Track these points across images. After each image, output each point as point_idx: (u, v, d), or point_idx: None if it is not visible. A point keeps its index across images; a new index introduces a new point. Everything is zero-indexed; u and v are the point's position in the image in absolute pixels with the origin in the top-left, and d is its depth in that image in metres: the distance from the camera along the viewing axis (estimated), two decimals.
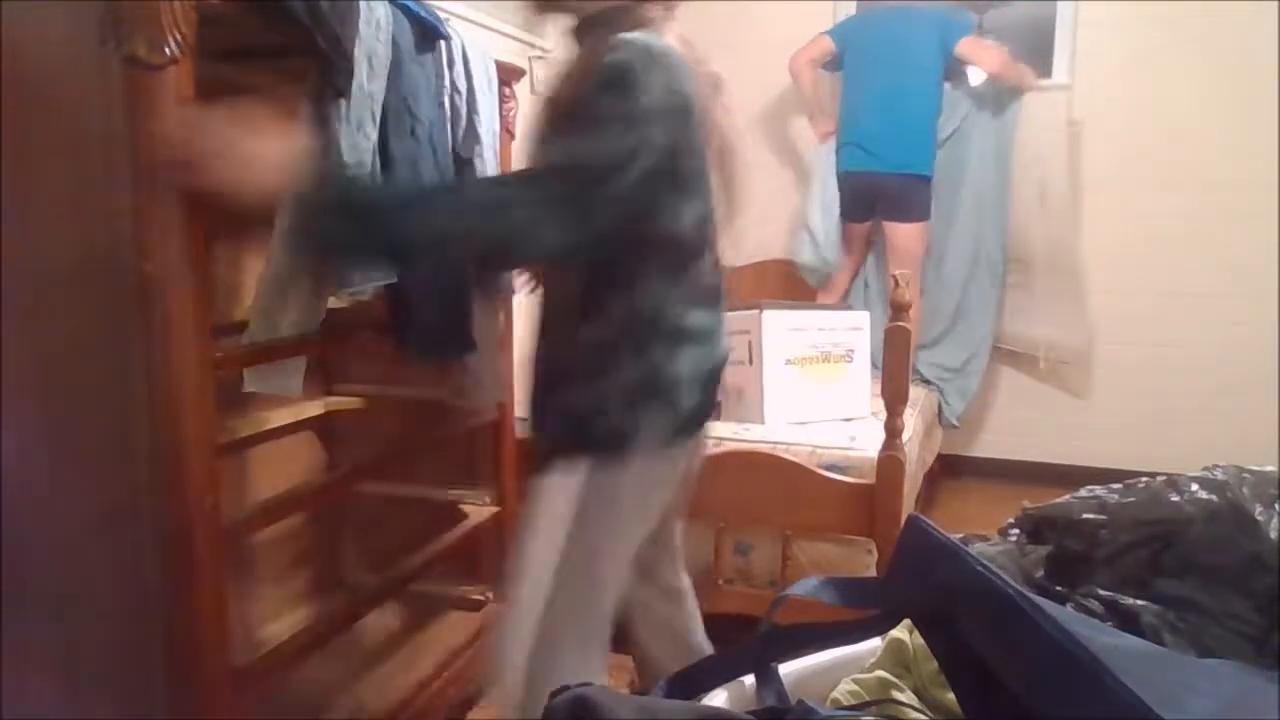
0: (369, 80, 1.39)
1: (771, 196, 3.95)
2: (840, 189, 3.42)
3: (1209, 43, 3.35)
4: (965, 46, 3.22)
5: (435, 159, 1.58)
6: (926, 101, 3.26)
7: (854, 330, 2.41)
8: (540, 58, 3.32)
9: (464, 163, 1.70)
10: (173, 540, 1.20)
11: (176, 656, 1.24)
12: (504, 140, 2.00)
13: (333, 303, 1.53)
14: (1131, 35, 3.45)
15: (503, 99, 1.98)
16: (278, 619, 1.91)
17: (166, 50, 1.10)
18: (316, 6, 1.24)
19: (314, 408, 2.05)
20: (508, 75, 1.99)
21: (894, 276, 1.98)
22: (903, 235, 3.32)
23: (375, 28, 1.39)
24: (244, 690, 1.34)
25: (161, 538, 1.21)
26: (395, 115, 1.46)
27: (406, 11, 1.50)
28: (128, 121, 1.12)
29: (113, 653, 1.28)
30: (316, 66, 1.30)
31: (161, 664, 1.24)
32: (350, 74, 1.32)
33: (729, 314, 2.71)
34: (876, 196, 3.32)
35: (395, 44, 1.44)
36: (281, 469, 1.94)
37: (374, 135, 1.40)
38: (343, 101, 1.32)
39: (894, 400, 2.00)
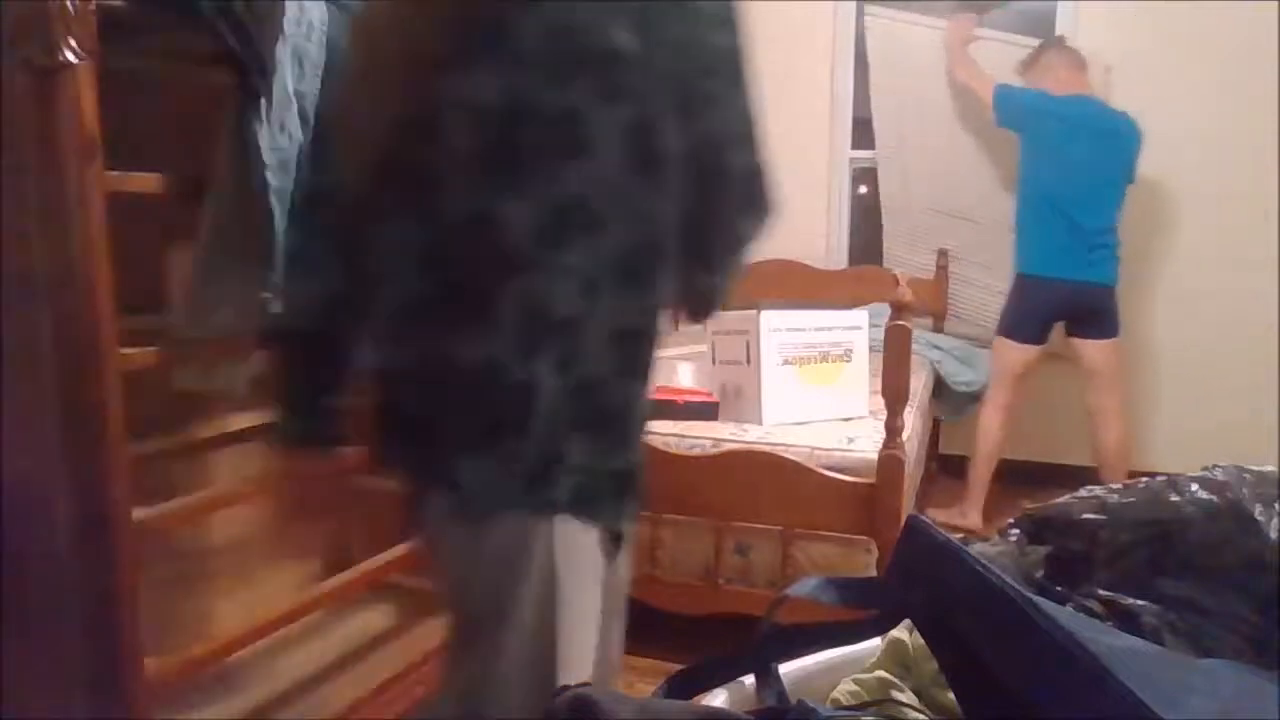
0: (298, 81, 1.38)
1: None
2: (1025, 297, 3.10)
3: (1209, 42, 3.35)
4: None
5: None
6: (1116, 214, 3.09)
7: (852, 330, 2.41)
8: None
9: None
10: (84, 534, 1.22)
11: (94, 651, 1.25)
12: None
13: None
14: (1131, 35, 3.46)
15: None
16: (248, 611, 1.91)
17: (62, 54, 1.09)
18: (229, 7, 1.24)
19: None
20: None
21: (894, 276, 1.98)
22: (1105, 353, 3.14)
23: (307, 28, 1.39)
24: (167, 684, 1.35)
25: (75, 532, 1.22)
26: None
27: (348, 12, 1.49)
28: (32, 125, 1.12)
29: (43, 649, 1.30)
30: (233, 67, 1.30)
31: (79, 658, 1.26)
32: (265, 74, 1.31)
33: (727, 314, 2.72)
34: (1074, 309, 3.08)
35: (332, 45, 1.43)
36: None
37: (300, 136, 1.39)
38: (263, 102, 1.32)
39: (894, 400, 2.00)
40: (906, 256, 3.87)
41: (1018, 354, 3.13)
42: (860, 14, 3.79)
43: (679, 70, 0.96)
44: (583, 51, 0.92)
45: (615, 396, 1.00)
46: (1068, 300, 3.05)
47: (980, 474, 3.18)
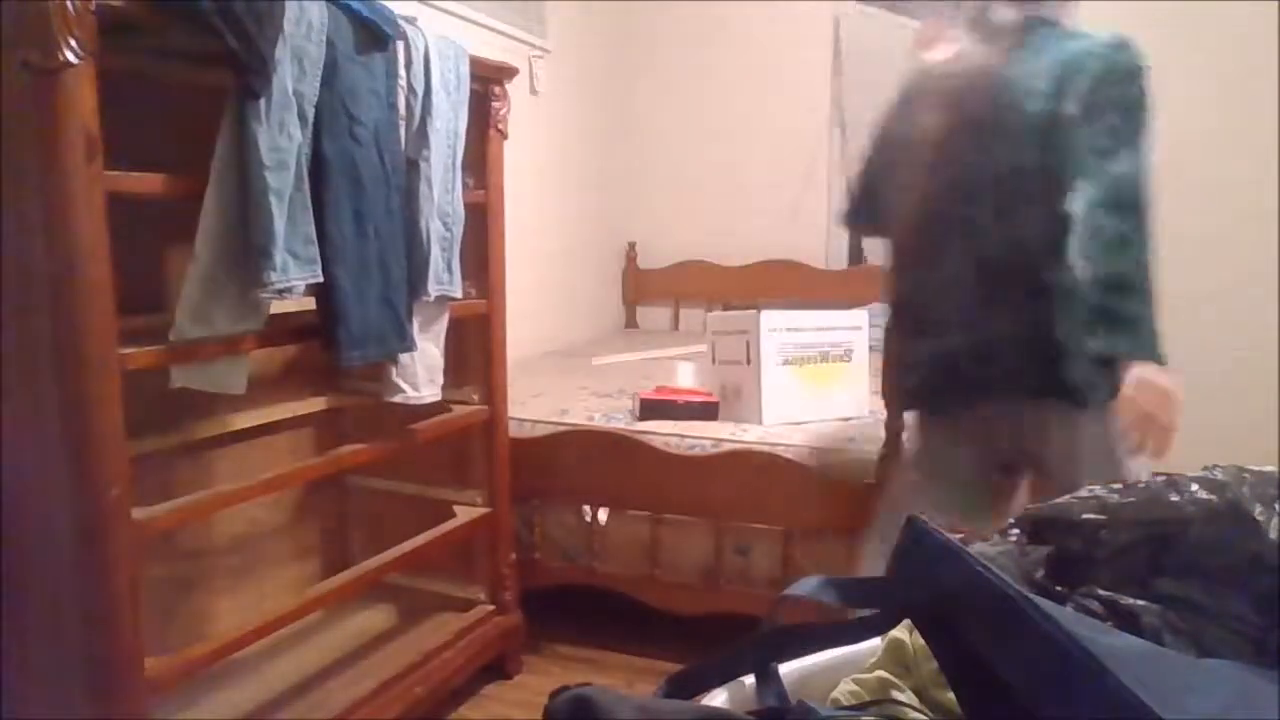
0: (298, 81, 1.38)
1: (770, 197, 3.96)
2: None
3: (1209, 43, 3.35)
4: None
5: (381, 160, 1.58)
6: None
7: (852, 330, 2.41)
8: (540, 57, 3.32)
9: (411, 164, 1.70)
10: (84, 533, 1.22)
11: (94, 651, 1.26)
12: (494, 139, 1.99)
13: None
14: (1132, 36, 3.45)
15: (493, 98, 1.98)
16: (248, 611, 1.92)
17: (61, 54, 1.10)
18: (229, 7, 1.24)
19: (318, 404, 2.06)
20: (499, 74, 1.99)
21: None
22: None
23: (306, 28, 1.39)
24: (167, 683, 1.35)
25: (75, 532, 1.22)
26: (330, 116, 1.46)
27: (348, 11, 1.49)
28: (32, 125, 1.13)
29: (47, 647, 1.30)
30: (233, 67, 1.30)
31: (79, 658, 1.26)
32: (265, 74, 1.31)
33: (727, 314, 2.71)
34: None
35: (331, 44, 1.44)
36: (279, 461, 1.95)
37: (299, 136, 1.39)
38: (262, 101, 1.32)
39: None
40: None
41: None
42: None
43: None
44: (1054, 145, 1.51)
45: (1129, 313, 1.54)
46: None
47: None
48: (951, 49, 1.66)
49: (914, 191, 1.64)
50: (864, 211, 1.82)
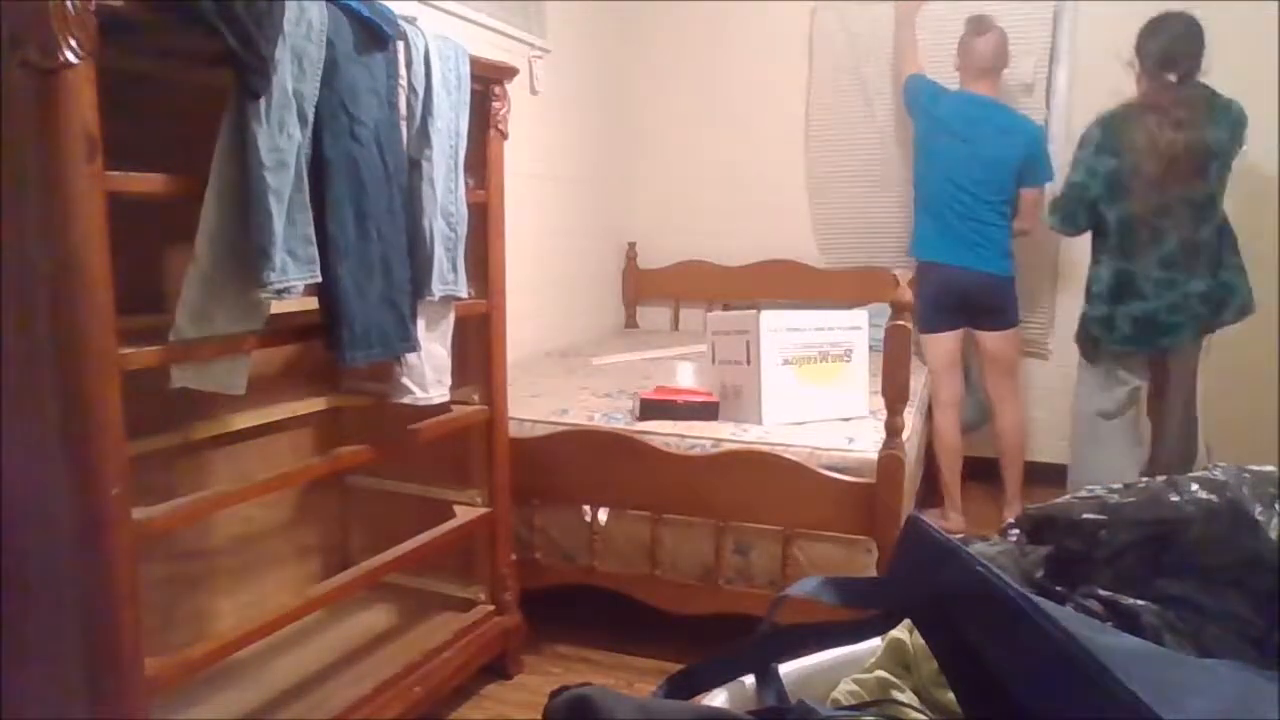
0: (298, 81, 1.38)
1: (771, 197, 3.96)
2: (922, 284, 3.06)
3: (1209, 44, 3.34)
4: (1027, 197, 3.12)
5: (382, 160, 1.57)
6: (1007, 209, 3.12)
7: (852, 330, 2.41)
8: (540, 57, 3.32)
9: (413, 164, 1.70)
10: (84, 534, 1.22)
11: (94, 651, 1.25)
12: (494, 139, 1.99)
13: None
14: (1131, 36, 3.45)
15: (493, 98, 1.98)
16: (248, 611, 1.91)
17: (61, 54, 1.09)
18: (228, 6, 1.24)
19: (318, 404, 2.06)
20: (500, 74, 1.99)
21: (895, 276, 1.98)
22: (999, 342, 3.17)
23: (306, 28, 1.39)
24: (167, 683, 1.34)
25: (75, 532, 1.22)
26: (331, 116, 1.45)
27: (348, 11, 1.49)
28: (32, 125, 1.12)
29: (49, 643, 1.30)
30: (233, 67, 1.29)
31: (79, 658, 1.26)
32: (265, 74, 1.31)
33: (727, 314, 2.71)
34: (965, 294, 3.09)
35: (331, 44, 1.43)
36: (279, 461, 1.95)
37: (299, 136, 1.39)
38: (262, 101, 1.32)
39: (894, 399, 2.00)
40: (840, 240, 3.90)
41: (938, 345, 3.15)
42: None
43: None
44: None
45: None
46: (956, 283, 3.08)
47: (947, 476, 3.19)
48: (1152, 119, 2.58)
49: (1136, 208, 2.59)
50: (1081, 221, 2.72)
